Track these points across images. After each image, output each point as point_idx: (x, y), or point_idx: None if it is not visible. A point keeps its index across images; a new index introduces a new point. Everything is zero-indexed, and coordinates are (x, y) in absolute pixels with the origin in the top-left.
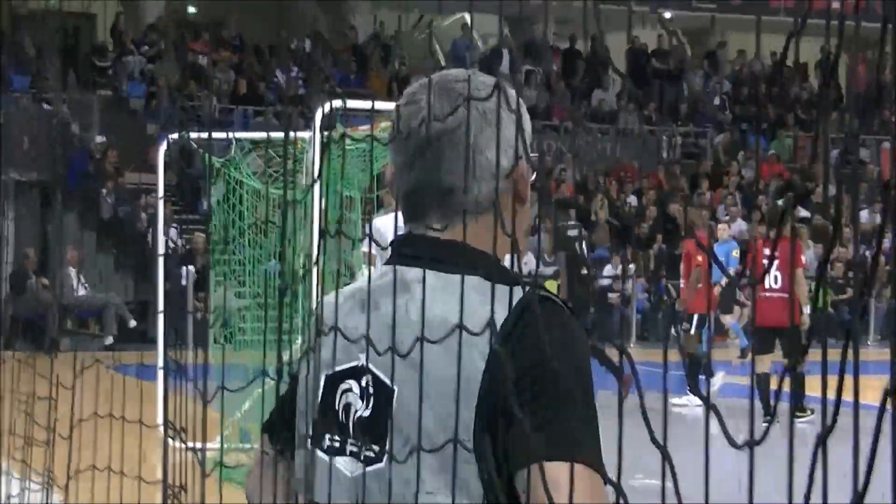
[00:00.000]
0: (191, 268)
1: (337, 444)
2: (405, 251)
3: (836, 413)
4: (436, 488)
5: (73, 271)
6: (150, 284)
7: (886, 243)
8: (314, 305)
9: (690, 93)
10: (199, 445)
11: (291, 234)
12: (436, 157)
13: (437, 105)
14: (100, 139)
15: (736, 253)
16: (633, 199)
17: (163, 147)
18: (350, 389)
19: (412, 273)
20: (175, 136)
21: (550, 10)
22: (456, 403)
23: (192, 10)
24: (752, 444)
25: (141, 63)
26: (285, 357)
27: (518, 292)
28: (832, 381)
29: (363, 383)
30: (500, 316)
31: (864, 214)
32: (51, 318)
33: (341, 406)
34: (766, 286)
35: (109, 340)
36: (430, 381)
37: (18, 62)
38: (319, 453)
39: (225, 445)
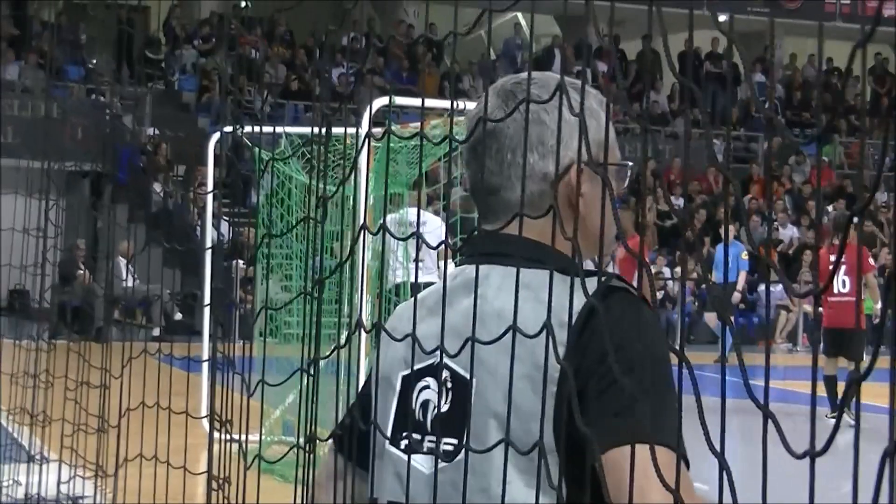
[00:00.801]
0: (239, 262)
1: (415, 443)
2: (480, 249)
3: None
4: (512, 477)
5: (122, 262)
6: (197, 278)
7: None
8: (362, 305)
9: (743, 96)
10: (242, 438)
11: (337, 231)
12: (482, 158)
13: (497, 107)
14: (151, 132)
15: (745, 255)
16: (680, 202)
17: (214, 141)
18: (428, 387)
19: (483, 270)
20: (227, 129)
21: (605, 10)
22: (544, 395)
23: (242, 4)
24: (812, 454)
25: (193, 57)
26: (324, 351)
27: (591, 283)
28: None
29: (442, 378)
30: (572, 306)
31: None
32: (99, 308)
33: (419, 404)
34: (836, 290)
35: (156, 332)
36: (506, 374)
37: (73, 53)
38: (396, 452)
39: (268, 438)
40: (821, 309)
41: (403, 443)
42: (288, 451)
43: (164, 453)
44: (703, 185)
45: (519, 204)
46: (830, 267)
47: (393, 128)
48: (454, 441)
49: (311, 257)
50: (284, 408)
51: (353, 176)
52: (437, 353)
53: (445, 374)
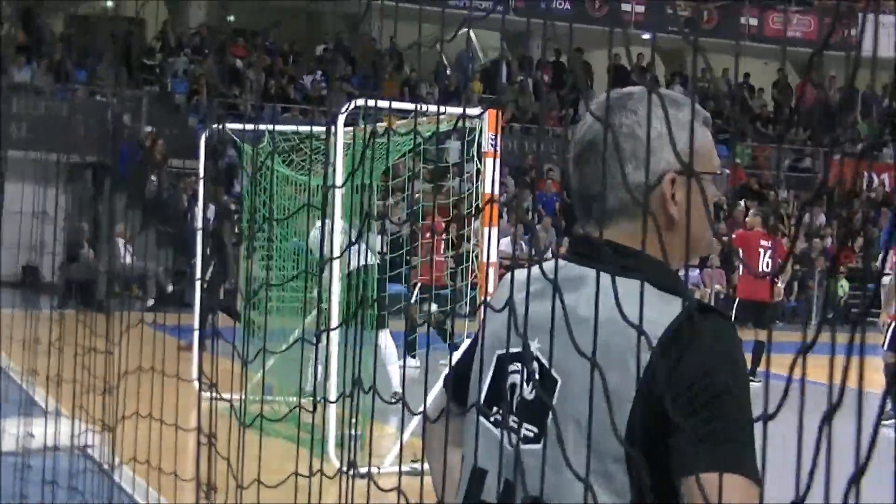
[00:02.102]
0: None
1: (501, 418)
2: (576, 249)
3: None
4: (590, 481)
5: (121, 242)
6: (186, 256)
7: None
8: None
9: None
10: (234, 397)
11: (320, 217)
12: (583, 167)
13: (590, 117)
14: (148, 129)
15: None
16: None
17: (203, 137)
18: (517, 371)
19: (579, 270)
20: (214, 127)
21: (545, 28)
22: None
23: (231, 18)
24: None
25: (184, 63)
26: (297, 322)
27: (676, 302)
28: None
29: (532, 368)
30: (661, 323)
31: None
32: (101, 283)
33: (508, 385)
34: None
35: (150, 303)
36: (589, 380)
37: (77, 60)
38: (486, 423)
39: (252, 397)
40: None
41: (494, 417)
42: (290, 411)
43: (158, 412)
44: None
45: (616, 211)
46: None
47: (361, 127)
48: (533, 428)
49: (287, 240)
50: (265, 371)
51: (329, 169)
52: (532, 343)
53: (534, 365)
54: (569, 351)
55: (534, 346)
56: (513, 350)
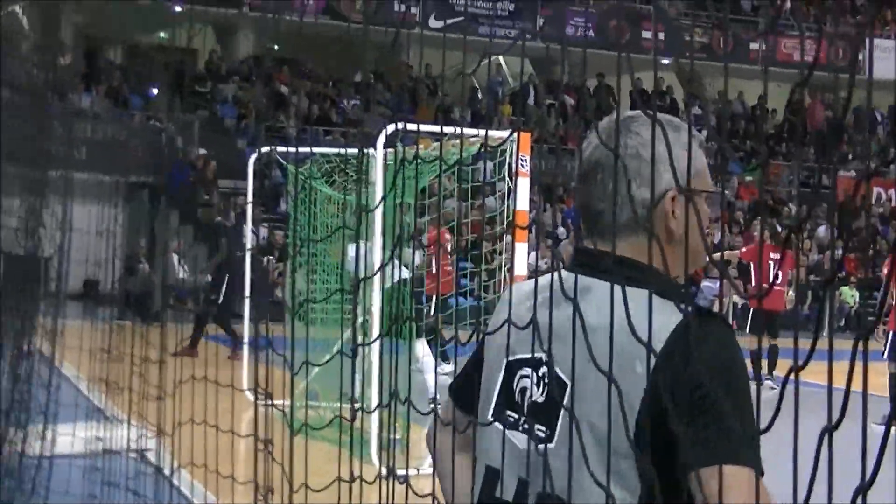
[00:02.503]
0: (271, 258)
1: (512, 420)
2: (581, 261)
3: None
4: (597, 475)
5: (174, 258)
6: (237, 271)
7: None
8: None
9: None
10: (285, 404)
11: (362, 234)
12: (589, 185)
13: (604, 142)
14: (200, 152)
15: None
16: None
17: (252, 159)
18: (527, 376)
19: (584, 281)
20: (262, 149)
21: (570, 54)
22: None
23: (276, 47)
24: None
25: (233, 90)
26: (342, 333)
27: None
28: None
29: (539, 373)
30: (665, 329)
31: (822, 229)
32: (156, 295)
33: (518, 389)
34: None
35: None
36: (600, 383)
37: (134, 87)
38: (498, 425)
39: (298, 404)
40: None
41: (503, 418)
42: (331, 420)
43: (211, 418)
44: None
45: (621, 227)
46: (772, 263)
47: (399, 149)
48: (544, 429)
49: (330, 256)
50: (309, 379)
51: (368, 188)
52: (538, 349)
53: (543, 369)
54: (578, 356)
55: (540, 353)
56: (521, 356)
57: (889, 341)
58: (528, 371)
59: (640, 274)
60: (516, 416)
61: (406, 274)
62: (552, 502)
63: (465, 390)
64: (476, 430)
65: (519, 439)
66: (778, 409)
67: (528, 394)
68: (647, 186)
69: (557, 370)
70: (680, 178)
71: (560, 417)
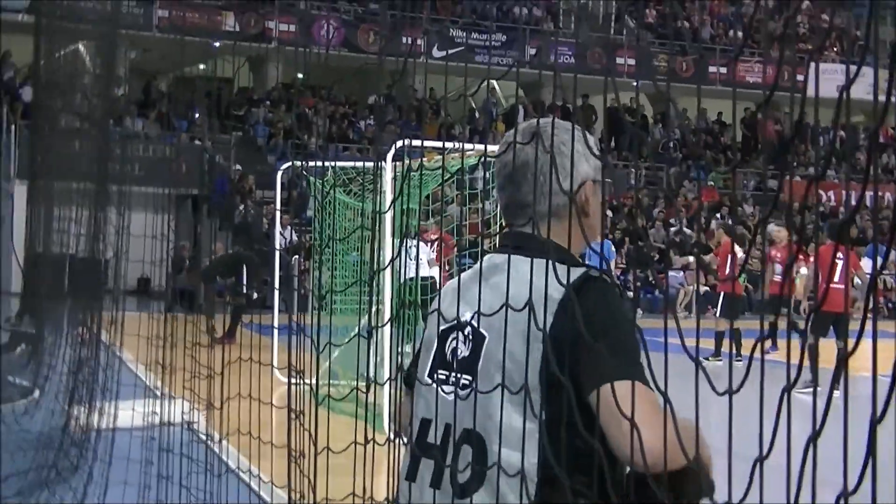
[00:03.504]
0: (298, 257)
1: (443, 377)
2: (504, 242)
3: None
4: (509, 410)
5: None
6: (268, 268)
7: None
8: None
9: (652, 138)
10: (312, 382)
11: (375, 236)
12: (513, 183)
13: (525, 143)
14: (236, 167)
15: (613, 248)
16: (609, 213)
17: (280, 172)
18: (455, 338)
19: (502, 258)
20: (289, 163)
21: (553, 78)
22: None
23: (300, 75)
24: (730, 392)
25: (264, 113)
26: (359, 320)
27: (576, 271)
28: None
29: (465, 332)
30: (560, 288)
31: (771, 227)
32: (199, 290)
33: (449, 350)
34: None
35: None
36: (510, 333)
37: (180, 112)
38: (431, 383)
39: (322, 382)
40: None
41: (435, 377)
42: (349, 393)
43: (248, 394)
44: (628, 200)
45: (546, 213)
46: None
47: (410, 163)
48: (469, 377)
49: (349, 254)
50: (332, 360)
51: (380, 196)
52: (467, 313)
53: (469, 329)
54: (495, 316)
55: (468, 316)
56: (451, 323)
57: (811, 318)
58: (456, 334)
59: (545, 247)
60: (447, 374)
61: (424, 272)
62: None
63: (412, 375)
64: (414, 396)
65: (447, 391)
66: (745, 377)
67: (457, 352)
68: (566, 178)
69: (479, 326)
70: (592, 171)
71: (479, 365)
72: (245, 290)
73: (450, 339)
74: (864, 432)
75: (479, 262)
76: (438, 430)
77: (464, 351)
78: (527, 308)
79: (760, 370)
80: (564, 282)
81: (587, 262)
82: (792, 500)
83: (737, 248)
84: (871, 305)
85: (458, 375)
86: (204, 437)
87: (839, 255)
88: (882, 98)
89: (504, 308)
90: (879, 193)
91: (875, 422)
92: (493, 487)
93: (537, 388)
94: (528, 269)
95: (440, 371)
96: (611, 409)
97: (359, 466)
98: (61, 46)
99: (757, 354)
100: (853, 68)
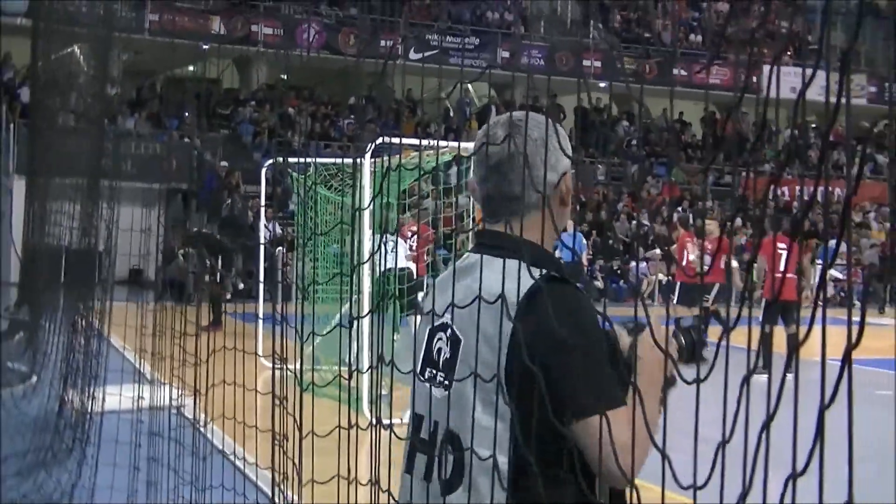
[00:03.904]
0: (281, 249)
1: (431, 375)
2: (481, 241)
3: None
4: (480, 409)
5: (204, 250)
6: (254, 259)
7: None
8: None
9: (616, 136)
10: (295, 368)
11: (354, 230)
12: (499, 175)
13: (501, 135)
14: (223, 164)
15: (584, 241)
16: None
17: (265, 169)
18: (441, 339)
19: (475, 258)
20: (273, 160)
21: (527, 79)
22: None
23: (284, 77)
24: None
25: (250, 112)
26: (339, 310)
27: (537, 274)
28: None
29: (447, 334)
30: (522, 290)
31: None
32: (188, 281)
33: (436, 349)
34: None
35: (228, 297)
36: (479, 336)
37: (170, 111)
38: (422, 380)
39: (305, 367)
40: (672, 274)
41: (425, 375)
42: (333, 379)
43: (233, 379)
44: (593, 195)
45: (532, 205)
46: (689, 248)
47: (387, 159)
48: (450, 378)
49: (329, 246)
50: (314, 347)
51: (360, 191)
52: (446, 315)
53: (449, 331)
54: (468, 317)
55: (447, 317)
56: (437, 324)
57: (763, 307)
58: (440, 334)
59: (517, 247)
60: (434, 372)
61: (402, 263)
62: (452, 436)
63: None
64: (413, 388)
65: (435, 390)
66: (713, 365)
67: (441, 353)
68: (551, 170)
69: (456, 329)
70: (565, 166)
71: (457, 368)
72: (220, 279)
73: (436, 339)
74: (820, 416)
75: (452, 263)
76: (429, 427)
77: (446, 352)
78: (494, 312)
79: (725, 357)
80: (527, 285)
81: (559, 255)
82: (747, 481)
83: (695, 240)
84: (820, 295)
85: (443, 375)
86: (192, 421)
87: (781, 245)
88: (833, 99)
89: (476, 311)
90: (830, 189)
91: (823, 407)
92: (471, 485)
93: (503, 389)
94: (499, 272)
95: (429, 369)
96: (590, 440)
97: (343, 449)
98: (58, 48)
99: (721, 342)
100: (808, 72)
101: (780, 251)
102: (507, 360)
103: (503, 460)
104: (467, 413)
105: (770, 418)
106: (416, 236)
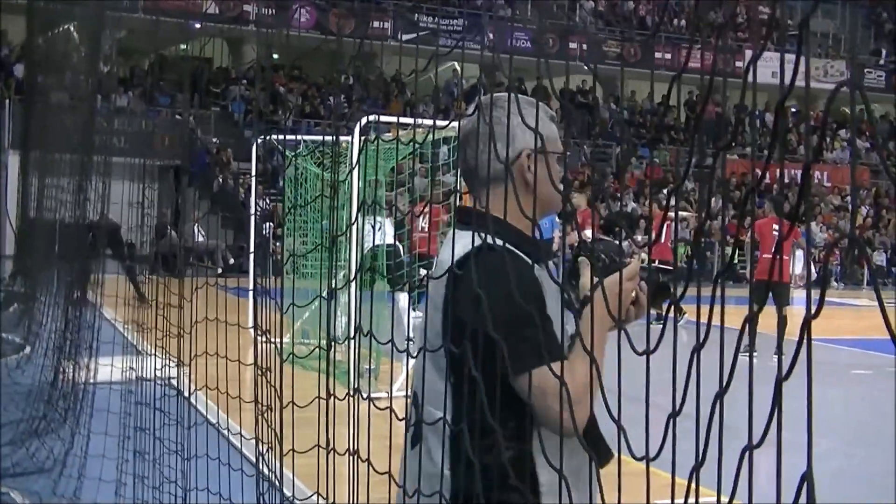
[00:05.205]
0: (270, 224)
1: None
2: (457, 217)
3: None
4: (433, 374)
5: (196, 226)
6: (244, 234)
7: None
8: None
9: (601, 118)
10: (277, 341)
11: (339, 205)
12: (464, 151)
13: (476, 118)
14: (214, 140)
15: (559, 220)
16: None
17: (255, 145)
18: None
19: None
20: (264, 138)
21: (514, 61)
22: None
23: (275, 56)
24: (647, 352)
25: (241, 90)
26: (327, 285)
27: (468, 245)
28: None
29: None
30: (456, 258)
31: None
32: (180, 255)
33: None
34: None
35: (219, 271)
36: (430, 305)
37: (162, 88)
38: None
39: (294, 340)
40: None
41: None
42: (311, 350)
43: (222, 351)
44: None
45: (485, 182)
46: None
47: (372, 137)
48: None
49: (319, 222)
50: (302, 320)
51: (348, 169)
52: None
53: (426, 304)
54: (433, 289)
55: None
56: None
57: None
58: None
59: (480, 220)
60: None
61: (389, 239)
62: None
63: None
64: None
65: (414, 360)
66: (661, 337)
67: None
68: (509, 147)
69: (428, 301)
70: (524, 144)
71: (425, 337)
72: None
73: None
74: (777, 388)
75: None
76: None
77: (422, 323)
78: (438, 280)
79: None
80: (459, 255)
81: (542, 234)
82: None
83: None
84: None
85: (422, 340)
86: (179, 392)
87: (774, 227)
88: (813, 84)
89: (440, 283)
90: (810, 172)
91: (780, 380)
92: (426, 445)
93: (442, 353)
94: (466, 244)
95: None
96: (531, 396)
97: (322, 419)
98: (53, 26)
99: (695, 319)
100: (787, 57)
101: (773, 233)
102: (443, 326)
103: (448, 419)
104: (424, 378)
105: (724, 391)
106: (426, 217)
